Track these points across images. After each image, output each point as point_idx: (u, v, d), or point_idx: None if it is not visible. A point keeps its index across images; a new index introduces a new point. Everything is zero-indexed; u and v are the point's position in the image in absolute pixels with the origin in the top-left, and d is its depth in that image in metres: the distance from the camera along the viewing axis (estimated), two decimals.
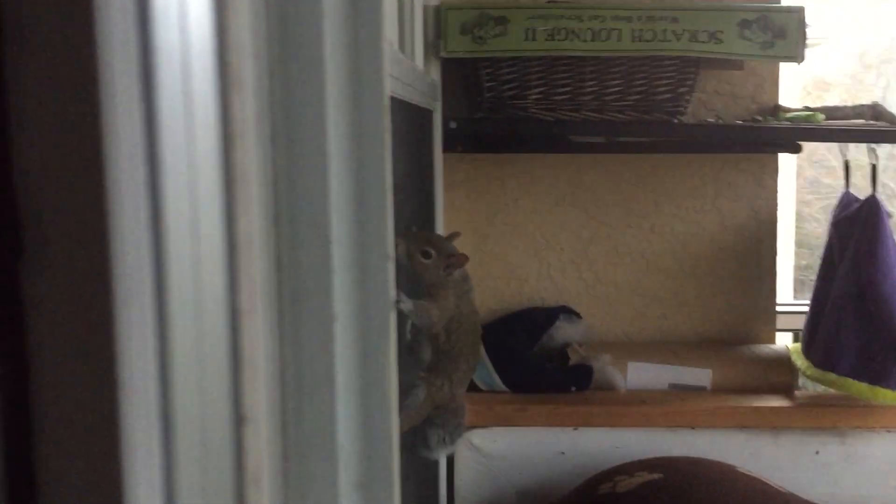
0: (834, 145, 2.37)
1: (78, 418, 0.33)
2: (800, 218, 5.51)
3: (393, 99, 1.29)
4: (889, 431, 1.91)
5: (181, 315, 0.35)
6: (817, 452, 1.91)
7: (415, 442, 1.43)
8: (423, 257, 1.27)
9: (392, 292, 0.50)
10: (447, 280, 1.31)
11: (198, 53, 0.36)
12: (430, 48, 1.87)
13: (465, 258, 1.32)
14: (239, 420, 0.39)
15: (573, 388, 1.97)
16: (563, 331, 2.04)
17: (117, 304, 0.33)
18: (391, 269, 0.50)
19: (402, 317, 1.34)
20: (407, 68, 1.35)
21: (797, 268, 5.21)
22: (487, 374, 1.97)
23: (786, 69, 2.17)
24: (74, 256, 0.33)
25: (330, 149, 0.47)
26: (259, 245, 0.42)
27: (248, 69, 0.39)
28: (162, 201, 0.34)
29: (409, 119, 1.55)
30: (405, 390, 1.36)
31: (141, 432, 0.34)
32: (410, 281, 1.30)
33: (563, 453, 1.93)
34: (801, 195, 5.63)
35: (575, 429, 1.92)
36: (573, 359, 1.99)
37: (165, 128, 0.34)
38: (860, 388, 1.84)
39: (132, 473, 0.33)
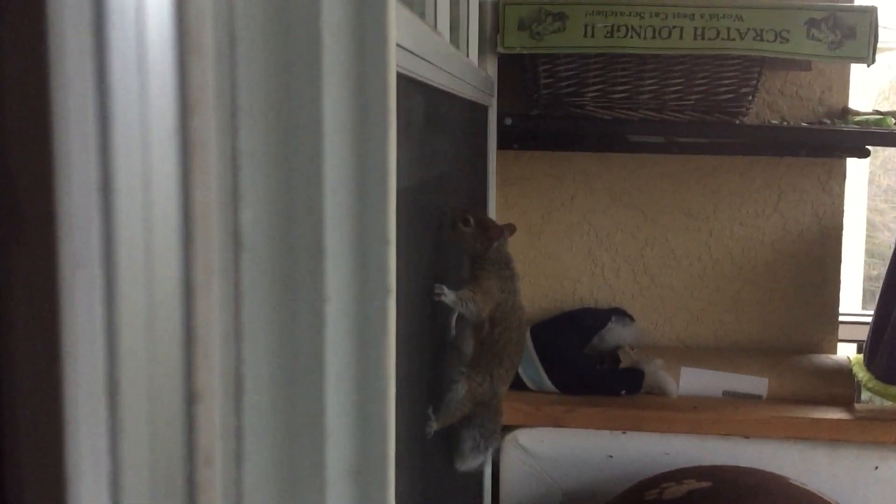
0: None
1: (19, 393, 0.33)
2: (872, 226, 5.34)
3: (443, 92, 1.29)
4: None
5: (131, 285, 0.34)
6: (876, 468, 1.84)
7: (448, 448, 1.41)
8: (464, 225, 1.31)
9: (391, 278, 0.49)
10: (487, 254, 1.32)
11: (154, 15, 0.35)
12: (487, 43, 1.86)
13: (501, 230, 1.34)
14: (190, 398, 0.38)
15: (623, 392, 1.94)
16: (615, 333, 2.01)
17: (63, 271, 0.32)
18: (391, 253, 0.49)
19: (447, 311, 1.34)
20: (458, 61, 1.34)
21: (867, 278, 5.05)
22: (536, 373, 1.95)
23: (863, 72, 2.10)
24: (21, 222, 0.32)
25: (326, 125, 0.45)
26: (217, 218, 0.41)
27: (208, 34, 0.38)
28: (113, 167, 0.33)
29: (463, 114, 1.54)
30: (446, 386, 1.35)
31: (86, 407, 0.33)
32: (452, 249, 1.32)
33: (611, 457, 1.89)
34: (875, 203, 5.46)
35: (624, 433, 1.89)
36: (624, 362, 1.96)
37: (118, 92, 0.33)
38: None
39: (75, 450, 0.32)
